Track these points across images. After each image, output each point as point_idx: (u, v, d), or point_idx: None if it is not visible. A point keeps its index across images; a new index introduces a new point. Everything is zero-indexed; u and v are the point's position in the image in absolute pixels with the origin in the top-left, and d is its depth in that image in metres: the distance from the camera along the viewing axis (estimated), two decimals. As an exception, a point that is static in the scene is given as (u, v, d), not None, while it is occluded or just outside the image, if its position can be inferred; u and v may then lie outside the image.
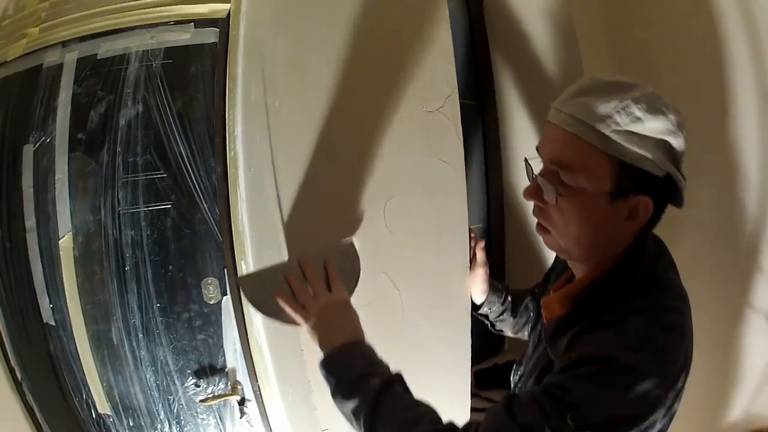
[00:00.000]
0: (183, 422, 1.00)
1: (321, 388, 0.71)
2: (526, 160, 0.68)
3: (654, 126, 0.56)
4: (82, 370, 1.03)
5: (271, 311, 0.74)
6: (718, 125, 1.27)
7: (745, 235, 1.28)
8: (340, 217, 0.86)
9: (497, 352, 1.56)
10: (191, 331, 0.92)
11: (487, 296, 1.01)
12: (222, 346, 0.92)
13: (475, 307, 1.02)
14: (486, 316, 1.03)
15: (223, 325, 0.91)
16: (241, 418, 0.97)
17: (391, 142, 0.89)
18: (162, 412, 1.00)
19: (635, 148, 0.56)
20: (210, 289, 0.90)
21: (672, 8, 1.30)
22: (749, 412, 1.33)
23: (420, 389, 0.83)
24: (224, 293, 0.90)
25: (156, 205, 0.90)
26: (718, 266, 1.32)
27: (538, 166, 0.65)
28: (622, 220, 0.60)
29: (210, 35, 0.97)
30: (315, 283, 0.74)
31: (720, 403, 1.37)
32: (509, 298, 1.01)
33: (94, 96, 0.98)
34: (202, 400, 0.95)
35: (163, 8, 1.00)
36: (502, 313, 1.01)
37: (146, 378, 0.98)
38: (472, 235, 1.01)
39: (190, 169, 0.90)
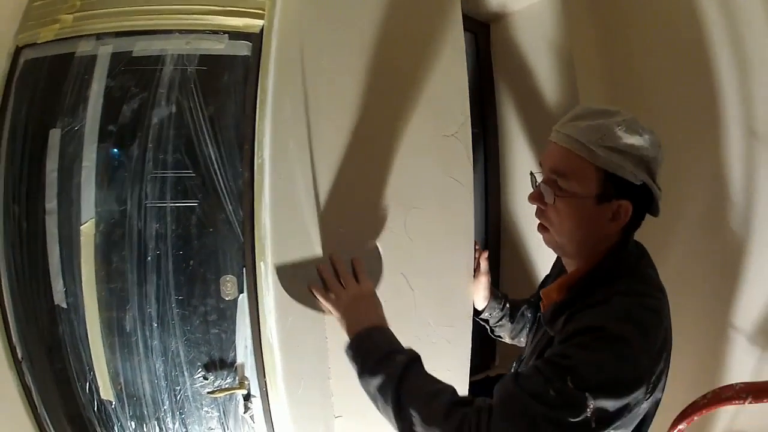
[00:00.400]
0: (186, 413, 1.06)
1: (338, 376, 0.78)
2: (531, 173, 0.84)
3: (632, 143, 0.72)
4: (90, 354, 1.08)
5: (304, 299, 0.82)
6: (704, 148, 1.41)
7: (729, 253, 1.40)
8: (364, 226, 0.94)
9: (489, 366, 1.66)
10: (205, 325, 0.99)
11: (488, 302, 1.12)
12: (234, 341, 0.99)
13: (476, 313, 1.13)
14: (486, 321, 1.14)
15: (237, 321, 0.98)
16: (244, 413, 1.03)
17: (412, 160, 1.00)
18: (167, 402, 1.06)
19: (616, 160, 0.71)
20: (228, 286, 0.96)
21: (663, 42, 1.46)
22: (731, 429, 1.44)
23: None
24: (241, 291, 0.97)
25: (183, 202, 0.97)
26: (703, 282, 1.44)
27: (539, 179, 0.81)
28: (607, 220, 0.75)
29: (243, 48, 1.04)
30: (345, 276, 0.84)
31: (702, 420, 1.48)
32: (508, 306, 1.13)
33: (128, 91, 1.04)
34: (210, 392, 1.01)
35: (199, 17, 1.07)
36: (501, 319, 1.12)
37: (155, 367, 1.03)
38: (477, 246, 1.12)
39: (217, 172, 0.97)
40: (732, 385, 0.54)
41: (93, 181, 1.03)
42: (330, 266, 0.85)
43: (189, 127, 0.99)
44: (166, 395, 1.05)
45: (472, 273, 1.09)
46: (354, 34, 0.99)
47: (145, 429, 1.10)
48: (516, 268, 1.63)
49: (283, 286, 0.83)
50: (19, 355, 1.18)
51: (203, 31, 1.05)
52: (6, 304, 1.17)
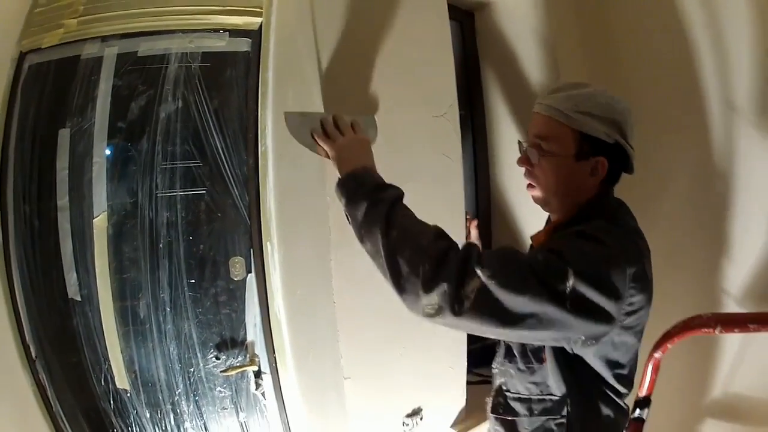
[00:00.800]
0: (200, 395, 1.12)
1: (347, 337, 0.85)
2: (519, 141, 0.95)
3: (603, 109, 0.84)
4: (104, 344, 1.14)
5: (306, 142, 0.90)
6: (685, 127, 1.52)
7: (716, 228, 1.50)
8: None
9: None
10: (216, 306, 1.06)
11: None
12: (244, 320, 1.06)
13: None
14: None
15: (246, 300, 1.05)
16: (256, 390, 1.10)
17: (406, 140, 1.09)
18: (181, 385, 1.12)
19: (590, 123, 0.83)
20: (236, 267, 1.04)
21: (643, 28, 1.57)
22: (727, 392, 1.53)
23: (421, 349, 1.00)
24: (249, 271, 1.04)
25: (192, 190, 1.04)
26: (691, 256, 1.54)
27: (525, 145, 0.92)
28: (586, 175, 0.86)
29: (243, 44, 1.12)
30: (345, 128, 0.91)
31: (698, 384, 1.57)
32: None
33: (135, 89, 1.12)
34: (222, 371, 1.08)
35: (200, 16, 1.15)
36: None
37: (169, 351, 1.10)
38: (468, 215, 1.23)
39: (224, 160, 1.05)
40: (701, 315, 0.61)
41: (104, 176, 1.10)
42: (332, 121, 0.91)
43: (195, 120, 1.07)
44: (180, 378, 1.12)
45: (465, 239, 1.19)
46: (347, 27, 1.08)
47: (160, 415, 1.16)
48: (506, 235, 1.76)
49: (290, 131, 0.90)
50: (33, 354, 1.24)
51: (205, 30, 1.13)
52: (19, 304, 1.23)
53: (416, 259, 0.68)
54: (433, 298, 0.65)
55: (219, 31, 1.13)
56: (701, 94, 1.49)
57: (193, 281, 1.06)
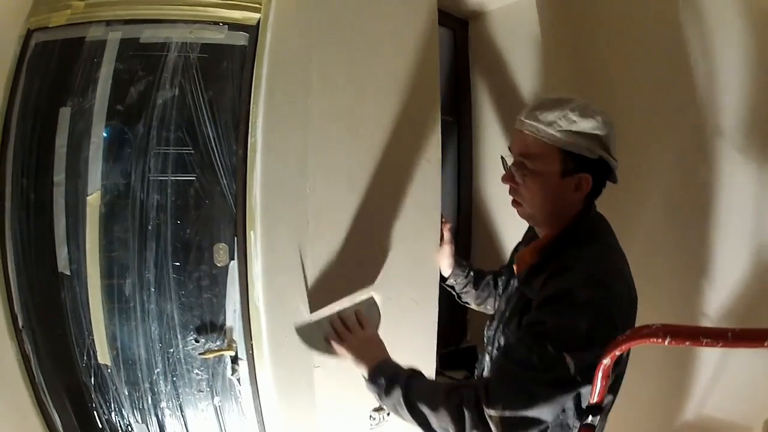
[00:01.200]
0: (178, 375, 1.18)
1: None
2: (502, 157, 0.96)
3: (586, 125, 0.86)
4: (89, 319, 1.19)
5: (323, 348, 1.01)
6: (669, 141, 1.54)
7: (693, 245, 1.53)
8: (346, 196, 1.08)
9: (460, 341, 1.81)
10: (198, 290, 1.11)
11: (453, 269, 1.26)
12: (224, 306, 1.11)
13: (443, 279, 1.28)
14: (452, 287, 1.29)
15: (227, 286, 1.10)
16: (232, 375, 1.16)
17: (388, 140, 1.13)
18: (160, 364, 1.18)
19: (572, 141, 0.85)
20: (220, 254, 1.09)
21: (631, 42, 1.60)
22: (700, 413, 1.56)
23: (396, 341, 1.05)
24: (232, 258, 1.09)
25: (182, 176, 1.10)
26: (668, 272, 1.56)
27: (509, 162, 0.95)
28: (571, 191, 0.89)
29: (241, 38, 1.17)
30: (354, 327, 1.03)
31: (672, 403, 1.60)
32: (471, 273, 1.26)
33: (135, 74, 1.17)
34: (200, 354, 1.13)
35: (202, 8, 1.20)
36: (465, 286, 1.26)
37: (151, 331, 1.15)
38: (443, 219, 1.27)
39: (214, 149, 1.10)
40: (649, 324, 0.62)
41: (100, 155, 1.15)
42: (340, 321, 1.03)
43: (190, 108, 1.12)
44: (160, 358, 1.17)
45: (438, 241, 1.24)
46: (342, 29, 1.12)
47: (138, 392, 1.22)
48: (486, 243, 1.81)
49: (304, 341, 1.01)
50: (20, 324, 1.30)
51: (205, 22, 1.19)
52: (10, 274, 1.28)
53: (443, 423, 0.81)
54: None
55: (219, 24, 1.18)
56: (686, 110, 1.52)
57: (178, 264, 1.11)
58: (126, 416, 1.24)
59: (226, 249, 1.09)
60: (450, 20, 1.77)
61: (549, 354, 0.74)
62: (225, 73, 1.14)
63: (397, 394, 0.86)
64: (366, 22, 1.12)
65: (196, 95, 1.13)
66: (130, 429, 1.26)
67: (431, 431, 0.83)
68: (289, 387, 1.10)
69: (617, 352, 0.67)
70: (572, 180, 0.88)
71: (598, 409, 0.74)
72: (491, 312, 1.21)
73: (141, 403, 1.23)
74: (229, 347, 1.13)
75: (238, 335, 1.13)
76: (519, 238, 1.08)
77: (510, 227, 1.69)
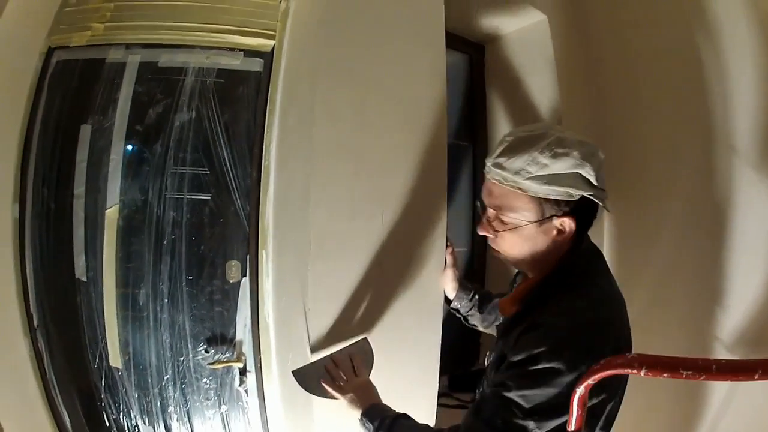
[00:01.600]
0: (187, 383, 1.25)
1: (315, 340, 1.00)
2: (476, 203, 0.93)
3: (560, 167, 0.78)
4: (103, 324, 1.27)
5: (318, 391, 1.07)
6: (685, 163, 1.53)
7: (706, 268, 1.49)
8: (351, 216, 1.14)
9: (473, 363, 1.84)
10: (210, 303, 1.19)
11: (457, 292, 1.26)
12: (234, 320, 1.19)
13: (448, 302, 1.30)
14: (457, 310, 1.31)
15: (239, 302, 1.18)
16: (240, 385, 1.23)
17: (395, 164, 1.20)
18: (170, 371, 1.26)
19: (546, 188, 0.78)
20: (232, 270, 1.17)
21: (648, 66, 1.61)
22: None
23: (392, 362, 1.11)
24: (244, 275, 1.17)
25: (198, 195, 1.18)
26: (684, 292, 1.52)
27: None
28: (552, 237, 0.83)
29: (256, 64, 1.25)
30: (347, 373, 1.06)
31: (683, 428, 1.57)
32: (477, 297, 1.25)
33: (153, 96, 1.25)
34: (210, 364, 1.21)
35: (218, 35, 1.28)
36: (470, 309, 1.28)
37: (162, 339, 1.23)
38: (448, 243, 1.27)
39: (229, 170, 1.18)
40: (624, 354, 0.62)
41: (119, 172, 1.23)
42: (334, 366, 1.08)
43: (206, 130, 1.20)
44: (170, 365, 1.25)
45: (443, 265, 1.27)
46: (352, 57, 1.19)
47: (147, 397, 1.30)
48: (501, 266, 1.79)
49: (300, 384, 1.08)
50: (35, 323, 1.37)
51: (221, 48, 1.26)
52: (28, 275, 1.35)
53: None
54: None
55: (234, 50, 1.26)
56: (699, 132, 1.51)
57: (192, 278, 1.19)
58: (134, 418, 1.32)
59: (238, 266, 1.17)
60: (465, 45, 1.83)
61: (514, 420, 0.75)
62: (240, 97, 1.22)
63: None
64: (374, 48, 1.18)
65: (212, 118, 1.21)
66: (137, 430, 1.34)
67: None
68: (295, 401, 1.17)
69: (591, 382, 0.65)
70: (552, 226, 0.82)
71: None
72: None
73: (149, 407, 1.30)
74: (238, 359, 1.21)
75: (247, 348, 1.21)
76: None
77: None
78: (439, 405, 1.39)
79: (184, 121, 1.21)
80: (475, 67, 1.88)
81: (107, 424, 1.35)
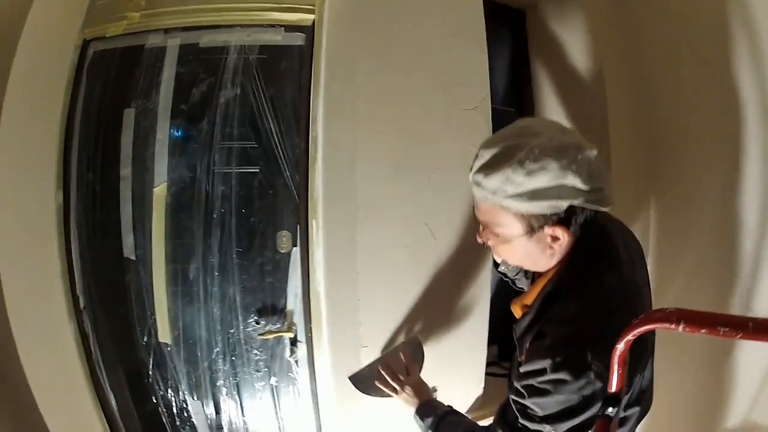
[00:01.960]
0: (237, 355, 1.28)
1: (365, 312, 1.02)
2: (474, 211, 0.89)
3: (537, 183, 0.74)
4: (152, 301, 1.29)
5: (374, 393, 1.16)
6: (719, 155, 1.51)
7: (745, 244, 1.47)
8: (396, 178, 1.18)
9: None
10: (261, 274, 1.21)
11: None
12: (285, 290, 1.21)
13: (496, 265, 1.31)
14: (504, 274, 1.29)
15: (289, 272, 1.21)
16: (290, 356, 1.26)
17: (438, 130, 1.23)
18: (219, 344, 1.28)
19: (528, 204, 0.76)
20: (283, 240, 1.20)
21: (688, 29, 1.60)
22: (747, 419, 1.48)
23: (440, 331, 1.14)
24: (294, 245, 1.20)
25: (246, 168, 1.21)
26: (714, 289, 1.53)
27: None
28: (548, 244, 0.81)
29: (297, 39, 1.28)
30: (400, 373, 1.15)
31: (718, 411, 1.54)
32: None
33: (196, 76, 1.27)
34: (261, 334, 1.24)
35: (258, 13, 1.31)
36: (517, 273, 1.26)
37: (212, 312, 1.26)
38: None
39: (277, 142, 1.21)
40: (663, 308, 0.59)
41: (166, 151, 1.26)
42: (387, 367, 1.16)
43: (252, 105, 1.23)
44: (220, 338, 1.28)
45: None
46: (390, 26, 1.22)
47: (197, 370, 1.32)
48: None
49: (356, 386, 1.16)
50: (81, 305, 1.39)
51: (262, 25, 1.30)
52: (74, 258, 1.38)
53: None
54: None
55: (275, 27, 1.29)
56: (741, 119, 1.48)
57: (242, 250, 1.21)
58: (182, 393, 1.34)
59: (289, 236, 1.20)
60: (507, 12, 1.88)
61: (531, 423, 0.81)
62: (284, 71, 1.25)
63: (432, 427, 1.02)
64: (412, 17, 1.21)
65: (258, 93, 1.24)
66: (185, 406, 1.36)
67: None
68: (345, 371, 1.19)
69: (630, 337, 0.63)
70: (543, 235, 0.80)
71: (616, 399, 0.70)
72: None
73: (198, 381, 1.33)
74: (289, 329, 1.23)
75: (298, 318, 1.23)
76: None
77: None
78: (487, 374, 1.43)
79: (229, 97, 1.24)
80: (517, 34, 1.91)
81: (154, 401, 1.37)
